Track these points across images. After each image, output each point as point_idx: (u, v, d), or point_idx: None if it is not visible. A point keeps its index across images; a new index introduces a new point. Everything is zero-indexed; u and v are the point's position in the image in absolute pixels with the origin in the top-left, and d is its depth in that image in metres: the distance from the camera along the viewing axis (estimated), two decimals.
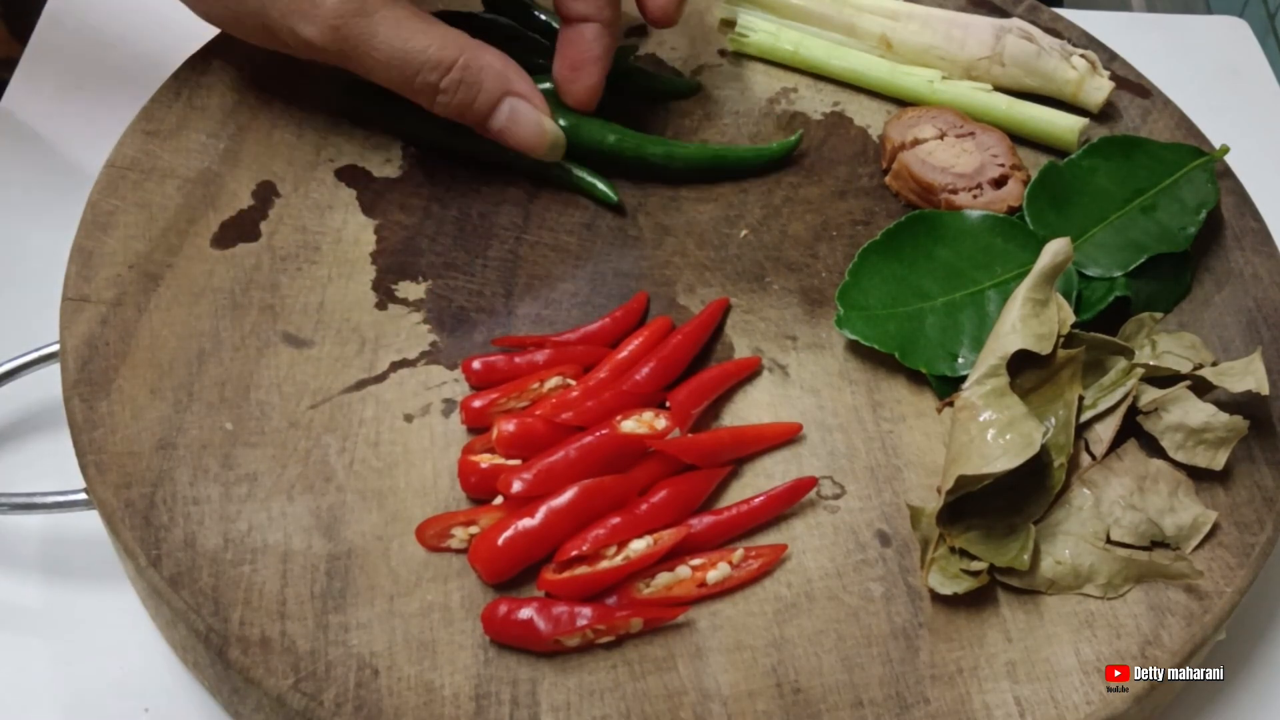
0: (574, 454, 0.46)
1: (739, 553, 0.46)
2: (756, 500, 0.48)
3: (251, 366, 0.51)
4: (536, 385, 0.50)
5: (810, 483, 0.48)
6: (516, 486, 0.46)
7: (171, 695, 0.47)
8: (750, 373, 0.53)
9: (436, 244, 0.56)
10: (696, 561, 0.46)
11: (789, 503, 0.48)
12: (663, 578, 0.45)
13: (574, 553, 0.44)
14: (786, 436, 0.50)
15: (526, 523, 0.45)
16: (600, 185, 0.58)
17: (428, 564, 0.46)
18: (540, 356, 0.51)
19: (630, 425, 0.48)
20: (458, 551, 0.46)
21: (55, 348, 0.51)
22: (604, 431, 0.47)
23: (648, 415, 0.48)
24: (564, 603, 0.44)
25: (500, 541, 0.44)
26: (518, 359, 0.51)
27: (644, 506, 0.46)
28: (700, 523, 0.47)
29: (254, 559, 0.45)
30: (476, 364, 0.51)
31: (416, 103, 0.55)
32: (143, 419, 0.48)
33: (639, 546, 0.45)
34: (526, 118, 0.55)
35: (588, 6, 0.56)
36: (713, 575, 0.45)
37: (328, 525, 0.46)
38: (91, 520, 0.48)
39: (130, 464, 0.47)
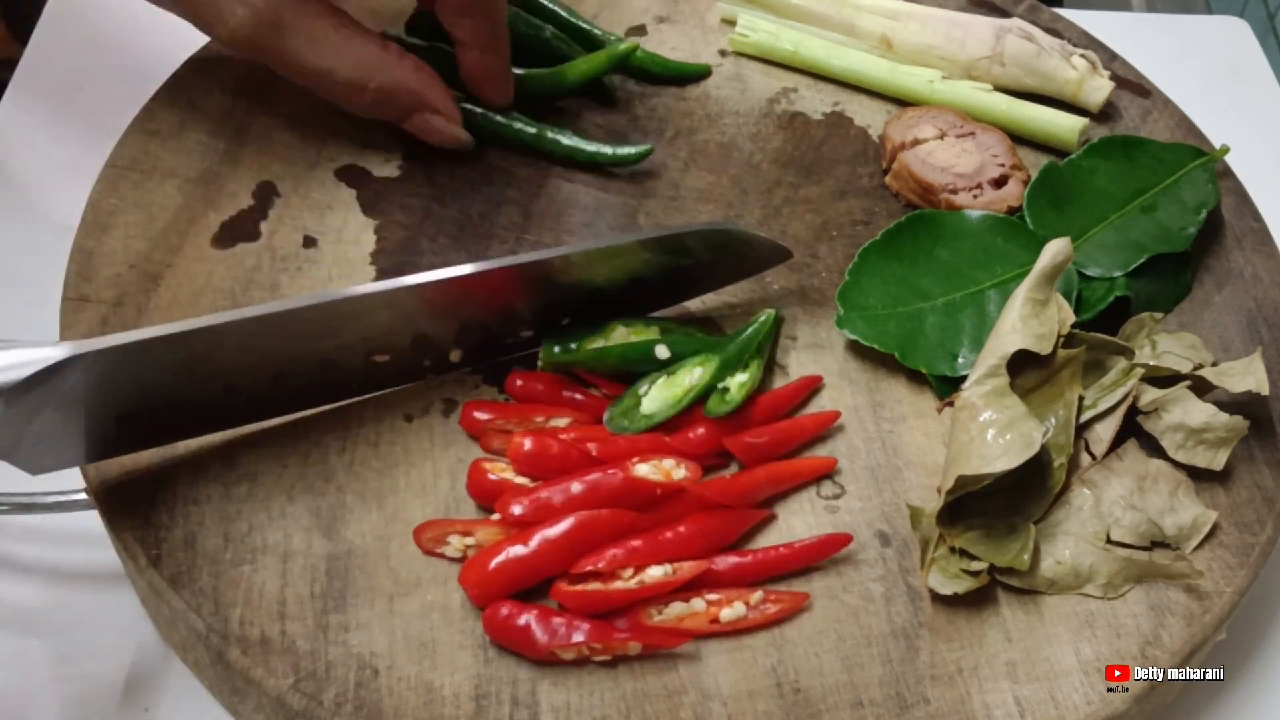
0: (580, 490, 0.46)
1: (758, 594, 0.45)
2: (783, 549, 0.47)
3: None
4: (541, 419, 0.50)
5: (844, 540, 0.47)
6: (515, 511, 0.45)
7: (171, 695, 0.47)
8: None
9: (436, 244, 0.56)
10: (713, 597, 0.45)
11: (818, 557, 0.47)
12: (676, 608, 0.45)
13: (589, 568, 0.44)
14: (823, 470, 0.50)
15: (519, 550, 0.44)
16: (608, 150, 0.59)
17: (428, 564, 0.46)
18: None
19: (645, 470, 0.47)
20: (452, 560, 0.46)
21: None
22: (614, 472, 0.46)
23: (667, 463, 0.47)
24: (563, 615, 0.44)
25: (491, 566, 0.44)
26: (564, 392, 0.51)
27: (668, 534, 0.46)
28: (724, 562, 0.46)
29: (254, 559, 0.45)
30: (519, 381, 0.51)
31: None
32: None
33: (656, 573, 0.45)
34: (437, 128, 0.58)
35: (463, 33, 0.58)
36: (727, 614, 0.45)
37: (328, 525, 0.46)
38: (91, 520, 0.47)
39: (130, 464, 0.47)
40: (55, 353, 0.41)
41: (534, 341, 0.52)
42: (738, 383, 0.50)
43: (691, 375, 0.50)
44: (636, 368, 0.51)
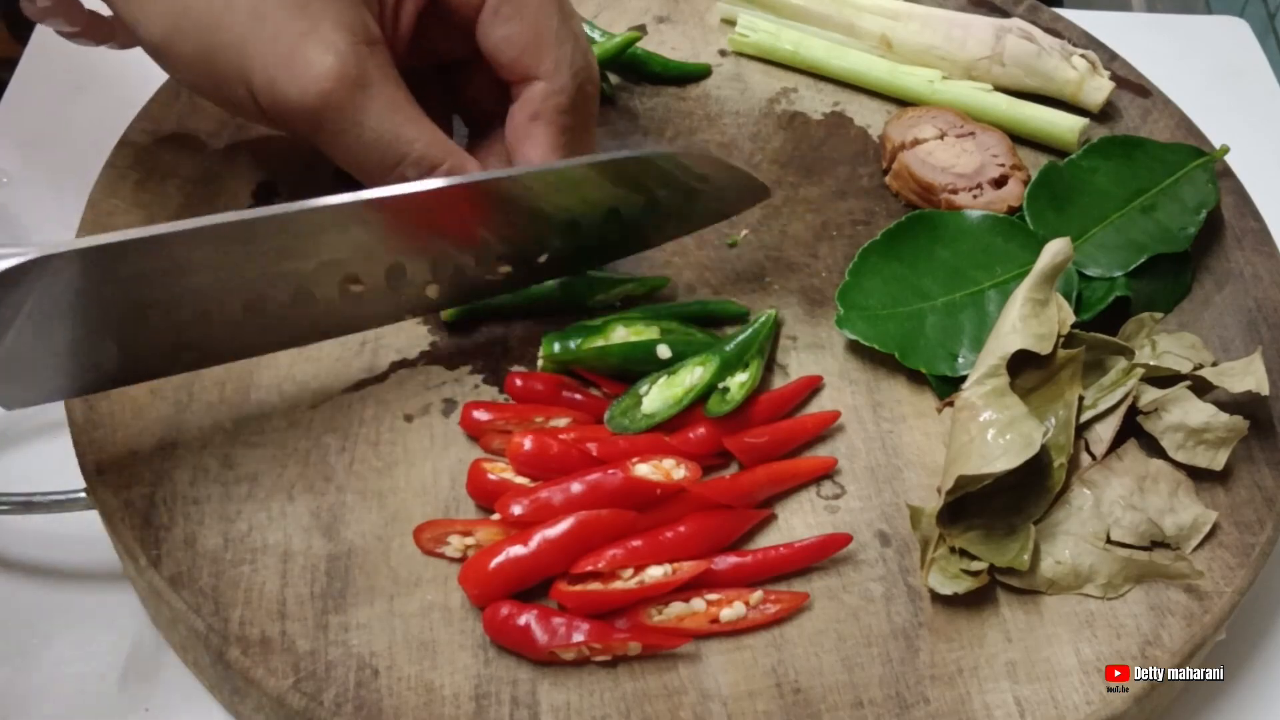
0: (580, 490, 0.46)
1: (758, 594, 0.45)
2: (783, 549, 0.47)
3: (251, 366, 0.51)
4: (541, 420, 0.50)
5: (844, 540, 0.47)
6: (515, 511, 0.45)
7: (171, 695, 0.47)
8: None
9: None
10: (713, 597, 0.45)
11: (818, 557, 0.47)
12: (676, 608, 0.45)
13: (589, 568, 0.44)
14: (823, 470, 0.50)
15: (519, 550, 0.44)
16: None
17: (427, 564, 0.46)
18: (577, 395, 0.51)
19: (644, 470, 0.46)
20: (452, 560, 0.46)
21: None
22: (614, 472, 0.46)
23: (667, 463, 0.47)
24: (563, 615, 0.44)
25: (491, 566, 0.44)
26: (564, 392, 0.51)
27: (668, 534, 0.46)
28: (724, 562, 0.46)
29: (254, 559, 0.45)
30: (518, 381, 0.51)
31: None
32: (143, 419, 0.48)
33: (656, 573, 0.45)
34: None
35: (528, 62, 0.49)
36: (727, 613, 0.45)
37: (328, 525, 0.46)
38: (91, 520, 0.48)
39: (130, 464, 0.47)
40: (23, 253, 0.40)
41: (513, 280, 0.52)
42: (738, 383, 0.50)
43: (692, 375, 0.50)
44: (637, 367, 0.51)
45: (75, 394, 0.46)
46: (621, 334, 0.51)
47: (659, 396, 0.50)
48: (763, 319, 0.52)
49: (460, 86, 0.55)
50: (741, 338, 0.51)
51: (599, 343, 0.51)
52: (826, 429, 0.51)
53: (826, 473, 0.50)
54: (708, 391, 0.50)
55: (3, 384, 0.43)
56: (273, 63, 0.45)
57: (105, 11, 0.50)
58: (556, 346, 0.51)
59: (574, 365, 0.51)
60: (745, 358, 0.51)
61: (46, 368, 0.43)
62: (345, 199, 0.45)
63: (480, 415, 0.49)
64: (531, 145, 0.50)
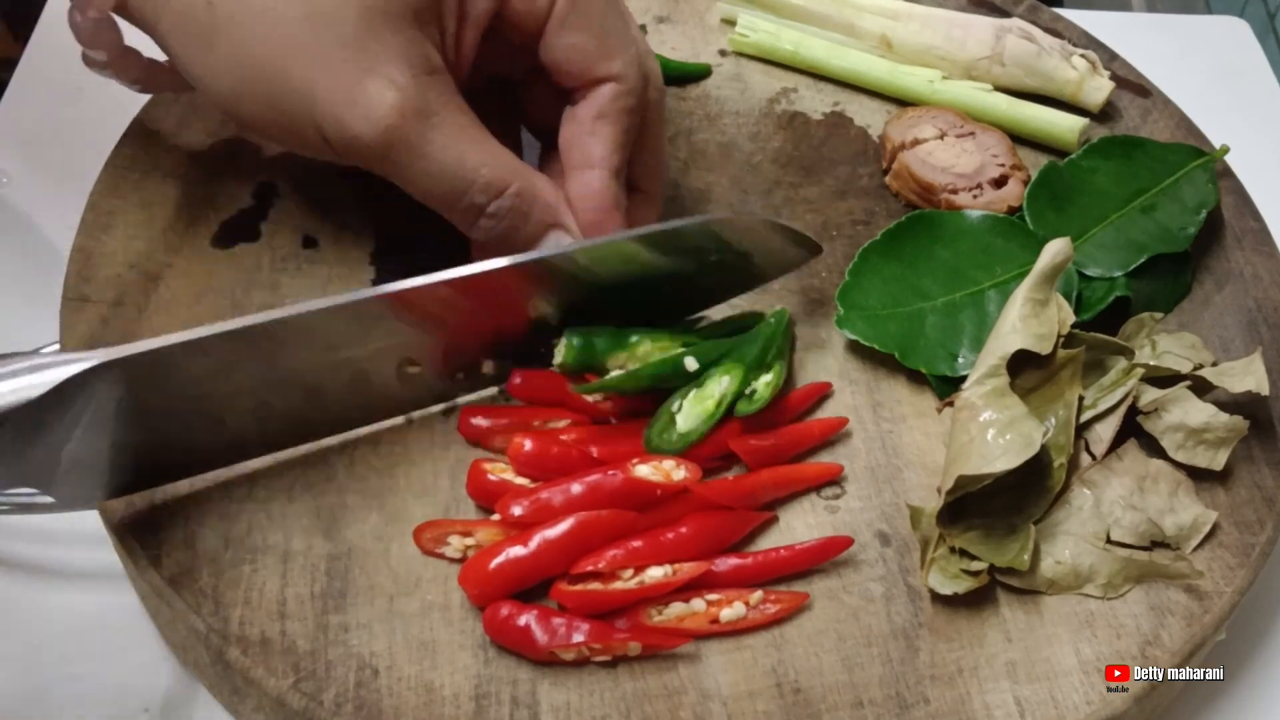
0: (580, 491, 0.46)
1: (757, 594, 0.45)
2: (783, 551, 0.47)
3: None
4: (539, 422, 0.49)
5: (844, 543, 0.47)
6: (515, 512, 0.45)
7: (171, 695, 0.47)
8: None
9: (437, 243, 0.56)
10: (713, 597, 0.45)
11: (818, 559, 0.47)
12: (676, 608, 0.45)
13: (589, 568, 0.44)
14: (827, 477, 0.50)
15: (518, 550, 0.44)
16: None
17: (428, 564, 0.46)
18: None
19: (645, 471, 0.46)
20: (452, 560, 0.46)
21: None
22: (614, 473, 0.46)
23: (667, 464, 0.47)
24: (563, 615, 0.44)
25: (491, 566, 0.44)
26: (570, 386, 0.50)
27: (668, 535, 0.45)
28: (725, 563, 0.46)
29: (254, 559, 0.45)
30: (518, 379, 0.50)
31: (453, 223, 0.50)
32: None
33: (656, 574, 0.45)
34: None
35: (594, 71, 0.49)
36: (727, 614, 0.45)
37: (328, 525, 0.46)
38: (91, 520, 0.47)
39: None
40: (77, 363, 0.40)
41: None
42: (764, 383, 0.50)
43: (720, 385, 0.50)
44: (668, 384, 0.50)
45: (128, 491, 0.46)
46: (647, 349, 0.50)
47: (692, 413, 0.49)
48: (774, 319, 0.52)
49: (524, 101, 0.55)
50: (760, 340, 0.51)
51: (621, 358, 0.50)
52: (833, 435, 0.51)
53: (831, 479, 0.50)
54: (737, 398, 0.50)
55: (61, 486, 0.44)
56: (338, 102, 0.45)
57: (162, 57, 0.50)
58: (577, 341, 0.49)
59: (606, 392, 0.49)
60: (768, 359, 0.51)
61: (100, 467, 0.44)
62: (391, 288, 0.45)
63: (478, 422, 0.49)
64: (596, 142, 0.50)
